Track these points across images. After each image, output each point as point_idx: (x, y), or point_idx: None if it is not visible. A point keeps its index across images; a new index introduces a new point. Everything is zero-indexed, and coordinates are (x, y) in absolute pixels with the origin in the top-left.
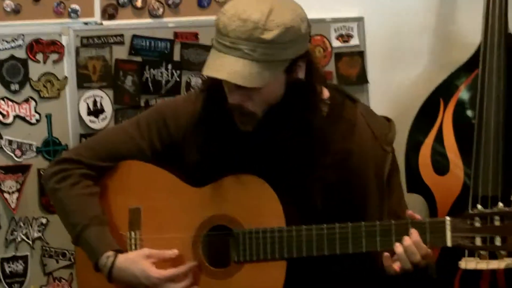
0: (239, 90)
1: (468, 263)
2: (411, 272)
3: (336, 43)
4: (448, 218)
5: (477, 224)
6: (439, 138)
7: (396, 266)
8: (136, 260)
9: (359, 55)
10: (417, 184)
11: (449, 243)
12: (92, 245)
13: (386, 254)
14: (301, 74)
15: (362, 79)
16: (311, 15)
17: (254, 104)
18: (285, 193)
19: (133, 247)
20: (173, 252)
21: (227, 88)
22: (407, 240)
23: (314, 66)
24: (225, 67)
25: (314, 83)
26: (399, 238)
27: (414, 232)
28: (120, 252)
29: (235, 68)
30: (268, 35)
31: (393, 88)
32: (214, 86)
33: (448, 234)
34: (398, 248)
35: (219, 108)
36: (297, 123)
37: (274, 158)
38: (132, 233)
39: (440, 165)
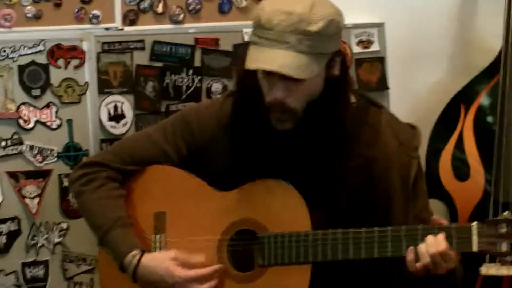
0: (283, 84)
1: (489, 269)
2: (432, 275)
3: (356, 49)
4: (475, 223)
5: (503, 230)
6: (459, 144)
7: (418, 264)
8: (162, 260)
9: (380, 61)
10: (437, 190)
11: (475, 248)
12: (117, 246)
13: (410, 248)
14: (336, 71)
15: (382, 85)
16: None
17: (295, 100)
18: (313, 194)
19: (157, 250)
20: (199, 258)
21: (268, 85)
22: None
23: (347, 64)
24: (274, 59)
25: (349, 80)
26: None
27: (440, 234)
28: (145, 252)
29: (284, 60)
30: (313, 27)
31: (413, 94)
32: (246, 88)
33: (475, 239)
34: (420, 245)
35: (254, 108)
36: (334, 122)
37: (308, 157)
38: (157, 237)
39: (461, 171)
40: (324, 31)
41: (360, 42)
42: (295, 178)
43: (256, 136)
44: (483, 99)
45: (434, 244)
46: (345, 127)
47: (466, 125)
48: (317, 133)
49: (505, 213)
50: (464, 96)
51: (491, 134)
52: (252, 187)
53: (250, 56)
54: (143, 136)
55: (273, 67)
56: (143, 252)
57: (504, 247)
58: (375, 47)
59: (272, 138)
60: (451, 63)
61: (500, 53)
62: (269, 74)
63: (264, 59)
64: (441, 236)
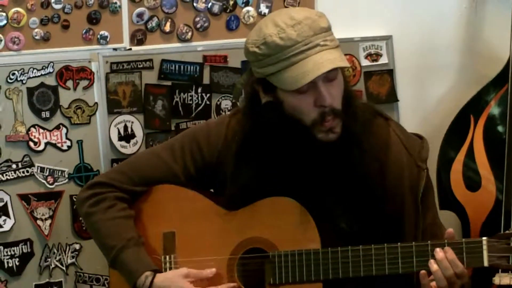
0: (326, 90)
1: (502, 279)
2: None
3: (365, 62)
4: (484, 238)
5: None
6: (470, 154)
7: (433, 284)
8: (174, 280)
9: (389, 73)
10: (449, 201)
11: (486, 263)
12: (130, 267)
13: (423, 272)
14: None
15: (392, 97)
16: (340, 34)
17: (338, 101)
18: (326, 209)
19: (168, 271)
20: (210, 271)
21: (312, 98)
22: (439, 254)
23: None
24: (321, 62)
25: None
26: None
27: (448, 250)
28: (158, 271)
29: (330, 57)
30: (324, 23)
31: (423, 106)
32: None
33: (485, 254)
34: (433, 265)
35: (294, 124)
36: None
37: (346, 169)
38: (167, 257)
39: (472, 181)
40: (329, 24)
41: (368, 55)
42: (312, 192)
43: (302, 149)
44: (493, 109)
45: (450, 266)
46: (357, 135)
47: (476, 135)
48: (363, 145)
49: None
50: (474, 107)
51: (501, 143)
52: (259, 205)
53: (295, 75)
54: (151, 155)
55: (326, 68)
56: (155, 273)
57: None
58: (383, 59)
59: (320, 150)
60: (459, 74)
61: (508, 62)
62: (307, 88)
63: (314, 67)
64: (453, 256)
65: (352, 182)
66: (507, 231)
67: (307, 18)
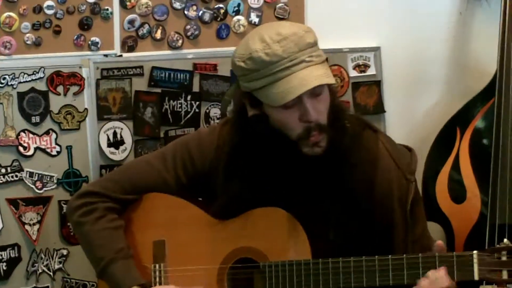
0: (311, 105)
1: None
2: None
3: (353, 73)
4: (475, 252)
5: (504, 258)
6: (456, 167)
7: None
8: None
9: (376, 84)
10: (434, 212)
11: (476, 277)
12: (118, 280)
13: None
14: None
15: (379, 108)
16: (328, 45)
17: (324, 116)
18: (316, 220)
19: (158, 279)
20: None
21: (297, 113)
22: (432, 274)
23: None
24: (307, 78)
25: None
26: (426, 272)
27: (442, 269)
28: (145, 286)
29: (316, 73)
30: (310, 38)
31: (410, 117)
32: (256, 119)
33: (476, 268)
34: (422, 281)
35: (280, 138)
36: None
37: (320, 182)
38: (157, 266)
39: (457, 193)
40: (316, 39)
41: (356, 66)
42: (300, 205)
43: (288, 161)
44: (479, 122)
45: (438, 283)
46: (345, 149)
47: (462, 148)
48: (351, 157)
49: (505, 240)
50: (460, 119)
51: (487, 156)
52: (250, 215)
53: (281, 91)
54: (143, 163)
55: (312, 84)
56: (143, 287)
57: (505, 274)
58: (371, 71)
59: (305, 163)
60: (447, 87)
61: (495, 76)
62: (293, 104)
63: (299, 83)
64: (443, 272)
65: (339, 194)
66: (497, 245)
67: (294, 34)
